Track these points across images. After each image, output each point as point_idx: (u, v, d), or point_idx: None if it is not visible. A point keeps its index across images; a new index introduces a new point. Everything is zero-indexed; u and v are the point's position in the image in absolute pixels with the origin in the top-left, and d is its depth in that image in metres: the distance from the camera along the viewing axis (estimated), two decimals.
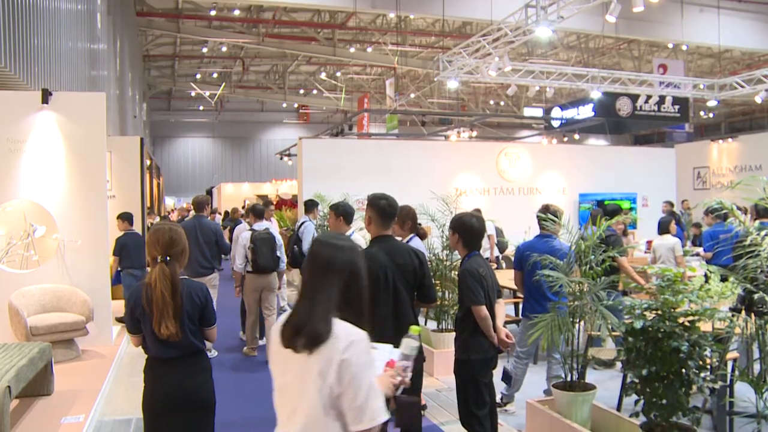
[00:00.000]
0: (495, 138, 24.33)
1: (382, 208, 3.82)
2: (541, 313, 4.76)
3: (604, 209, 6.86)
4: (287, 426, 2.00)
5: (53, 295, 6.67)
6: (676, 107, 18.55)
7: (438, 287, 6.24)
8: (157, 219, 17.83)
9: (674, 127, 25.90)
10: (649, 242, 11.64)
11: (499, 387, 5.39)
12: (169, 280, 3.01)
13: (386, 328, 3.67)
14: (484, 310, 3.89)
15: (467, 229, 4.07)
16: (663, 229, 7.98)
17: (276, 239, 7.26)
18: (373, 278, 3.67)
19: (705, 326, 3.92)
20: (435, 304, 3.98)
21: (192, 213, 9.26)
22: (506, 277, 7.52)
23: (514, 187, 13.61)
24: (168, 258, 3.06)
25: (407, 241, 5.11)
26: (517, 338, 5.24)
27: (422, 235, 5.51)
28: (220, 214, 19.92)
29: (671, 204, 12.81)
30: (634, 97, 18.23)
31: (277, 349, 2.06)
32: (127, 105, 17.38)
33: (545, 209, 5.27)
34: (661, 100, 17.70)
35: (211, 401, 3.21)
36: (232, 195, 25.62)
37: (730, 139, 16.52)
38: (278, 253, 7.24)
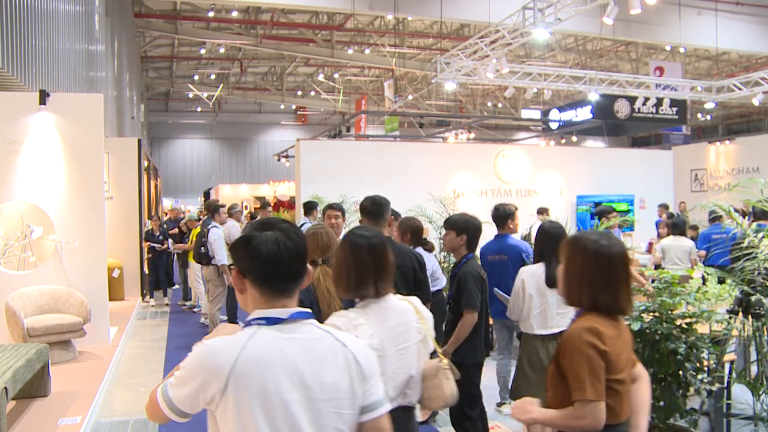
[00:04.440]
0: (493, 140, 24.35)
1: (364, 208, 3.85)
2: (502, 317, 4.84)
3: (597, 211, 6.89)
4: None
5: (50, 297, 6.66)
6: (674, 109, 18.59)
7: None
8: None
9: (672, 129, 25.93)
10: (651, 243, 11.66)
11: (497, 389, 5.40)
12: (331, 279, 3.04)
13: None
14: (475, 317, 3.89)
15: (475, 231, 4.07)
16: (679, 230, 7.96)
17: (208, 236, 8.19)
18: None
19: (702, 328, 3.93)
20: (428, 304, 3.99)
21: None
22: None
23: (511, 188, 13.60)
24: (326, 260, 3.14)
25: None
26: (497, 340, 5.35)
27: (430, 249, 5.50)
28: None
29: (666, 206, 12.80)
30: (631, 99, 18.26)
31: None
32: (124, 106, 17.37)
33: (497, 208, 5.30)
34: (659, 102, 17.73)
35: None
36: (230, 196, 25.54)
37: (727, 141, 16.55)
38: (203, 249, 8.26)
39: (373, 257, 2.41)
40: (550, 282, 3.85)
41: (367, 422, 1.68)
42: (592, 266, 2.19)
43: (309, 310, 1.71)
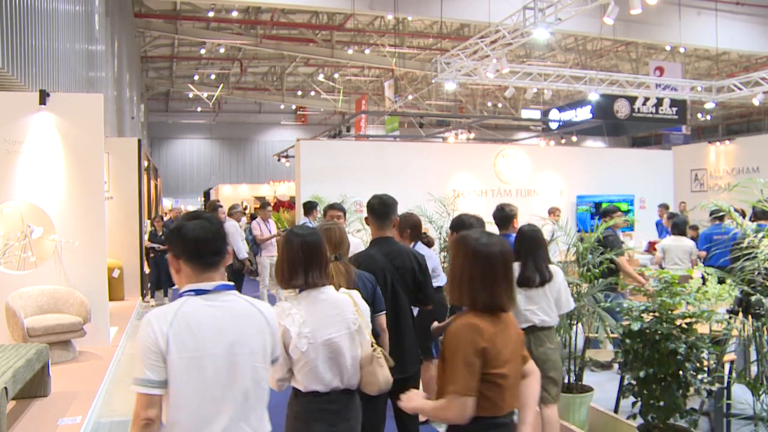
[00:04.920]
0: (493, 140, 24.37)
1: (371, 206, 3.85)
2: None
3: (601, 210, 6.88)
4: None
5: (50, 297, 6.66)
6: (674, 109, 18.58)
7: None
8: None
9: (672, 129, 25.93)
10: (651, 243, 11.66)
11: None
12: (344, 276, 3.10)
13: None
14: None
15: (463, 228, 4.04)
16: (679, 230, 7.94)
17: None
18: None
19: (702, 328, 3.93)
20: (430, 306, 3.98)
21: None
22: None
23: (511, 188, 13.61)
24: (339, 256, 3.20)
25: None
26: None
27: (429, 243, 5.50)
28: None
29: (667, 206, 12.79)
30: (631, 99, 18.25)
31: None
32: (124, 106, 17.36)
33: (501, 208, 5.30)
34: (659, 102, 17.73)
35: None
36: (230, 196, 25.53)
37: (727, 141, 16.55)
38: None
39: (304, 252, 2.67)
40: (522, 282, 3.95)
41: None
42: (471, 265, 2.28)
43: (231, 283, 2.16)
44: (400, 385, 3.76)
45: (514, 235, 5.36)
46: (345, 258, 3.31)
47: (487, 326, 2.21)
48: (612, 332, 4.48)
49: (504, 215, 5.07)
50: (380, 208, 3.83)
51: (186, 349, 1.97)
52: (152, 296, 11.27)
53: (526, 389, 2.38)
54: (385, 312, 3.31)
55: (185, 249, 2.10)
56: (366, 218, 3.92)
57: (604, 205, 9.42)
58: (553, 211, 11.00)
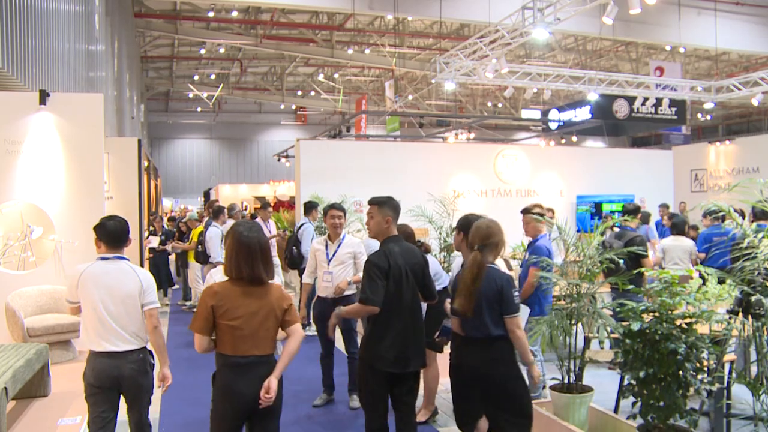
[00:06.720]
0: (492, 140, 24.35)
1: (396, 207, 3.97)
2: (537, 314, 4.99)
3: (625, 209, 6.96)
4: None
5: (50, 297, 6.66)
6: (674, 109, 18.58)
7: None
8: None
9: (671, 129, 25.93)
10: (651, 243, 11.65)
11: None
12: (477, 266, 3.57)
13: (407, 326, 3.79)
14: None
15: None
16: (678, 230, 7.94)
17: (205, 235, 8.84)
18: (397, 276, 3.76)
19: (702, 328, 3.93)
20: (435, 300, 4.07)
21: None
22: None
23: (511, 188, 13.61)
24: (483, 246, 3.63)
25: None
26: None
27: (426, 250, 5.55)
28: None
29: (667, 206, 12.78)
30: (631, 99, 18.25)
31: None
32: (124, 106, 17.36)
33: (545, 210, 5.57)
34: (659, 102, 17.72)
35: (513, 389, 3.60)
36: (230, 196, 25.51)
37: (727, 142, 16.53)
38: (200, 247, 9.10)
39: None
40: None
41: (145, 310, 3.61)
42: (237, 248, 3.13)
43: (125, 256, 3.73)
44: (401, 380, 3.79)
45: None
46: (491, 251, 3.62)
47: (228, 291, 3.10)
48: (612, 332, 4.48)
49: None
50: (396, 206, 3.97)
51: (87, 287, 3.57)
52: None
53: (286, 347, 3.17)
54: (515, 315, 3.54)
55: (103, 235, 3.69)
56: (370, 218, 3.95)
57: (619, 206, 9.29)
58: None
